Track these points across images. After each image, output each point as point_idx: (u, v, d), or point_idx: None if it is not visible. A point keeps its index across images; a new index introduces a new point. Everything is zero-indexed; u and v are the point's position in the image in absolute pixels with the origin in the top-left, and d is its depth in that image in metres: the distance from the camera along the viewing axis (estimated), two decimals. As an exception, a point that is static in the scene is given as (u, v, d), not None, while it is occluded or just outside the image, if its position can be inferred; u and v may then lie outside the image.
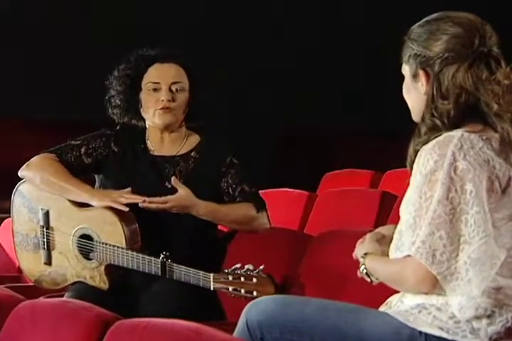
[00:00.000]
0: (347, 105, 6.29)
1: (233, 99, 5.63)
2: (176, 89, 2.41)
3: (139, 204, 2.28)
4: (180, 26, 5.59)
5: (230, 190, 2.40)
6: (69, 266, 2.40)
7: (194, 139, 2.48)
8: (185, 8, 5.63)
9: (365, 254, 1.73)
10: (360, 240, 1.80)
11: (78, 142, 2.47)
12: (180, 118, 2.44)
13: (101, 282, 2.34)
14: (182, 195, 2.30)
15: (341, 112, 6.25)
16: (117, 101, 2.45)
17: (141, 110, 2.45)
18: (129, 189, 2.33)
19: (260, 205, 2.41)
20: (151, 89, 2.42)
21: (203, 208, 2.32)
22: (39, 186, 2.44)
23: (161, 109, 2.39)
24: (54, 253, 2.44)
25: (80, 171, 2.45)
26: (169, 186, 2.37)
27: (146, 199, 2.29)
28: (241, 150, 2.46)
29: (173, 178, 2.33)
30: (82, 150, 2.45)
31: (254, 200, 2.40)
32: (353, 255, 1.77)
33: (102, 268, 2.34)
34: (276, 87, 6.10)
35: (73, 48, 5.25)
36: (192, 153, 2.45)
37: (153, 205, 2.29)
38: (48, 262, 2.45)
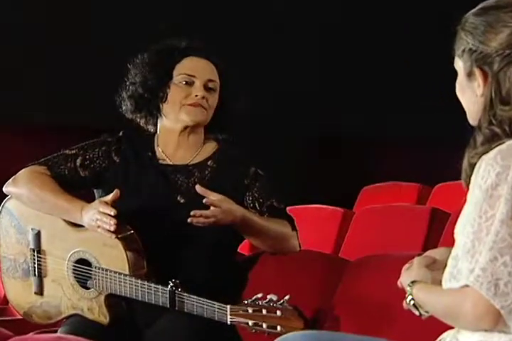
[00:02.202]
0: (387, 108, 6.30)
1: (258, 105, 5.72)
2: (210, 88, 2.42)
3: (189, 220, 2.24)
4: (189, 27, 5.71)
5: (257, 204, 2.39)
6: (63, 296, 2.39)
7: (211, 146, 2.48)
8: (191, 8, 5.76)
9: (412, 282, 1.70)
10: (407, 265, 1.77)
11: (73, 152, 2.46)
12: (207, 121, 2.43)
13: (100, 315, 2.33)
14: (222, 199, 2.25)
15: (380, 117, 6.26)
16: (140, 90, 2.43)
17: (162, 105, 2.43)
18: (108, 197, 2.29)
19: (293, 224, 2.40)
20: (182, 82, 2.42)
21: (241, 213, 2.28)
22: (27, 203, 2.44)
23: (191, 104, 2.39)
24: (46, 281, 2.43)
25: (75, 186, 2.45)
26: (182, 200, 2.36)
27: (195, 212, 2.23)
28: (265, 161, 2.45)
29: (197, 186, 2.29)
30: (78, 161, 2.44)
31: (285, 218, 2.39)
32: (398, 283, 1.75)
33: (102, 298, 2.33)
34: (306, 93, 6.15)
35: (71, 49, 5.43)
36: (208, 162, 2.44)
37: (203, 220, 2.23)
38: (40, 292, 2.44)
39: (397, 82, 6.18)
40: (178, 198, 2.38)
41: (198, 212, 2.24)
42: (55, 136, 4.31)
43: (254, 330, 2.11)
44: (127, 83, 2.46)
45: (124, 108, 2.47)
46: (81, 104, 5.37)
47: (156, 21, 5.47)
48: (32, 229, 2.44)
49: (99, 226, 2.28)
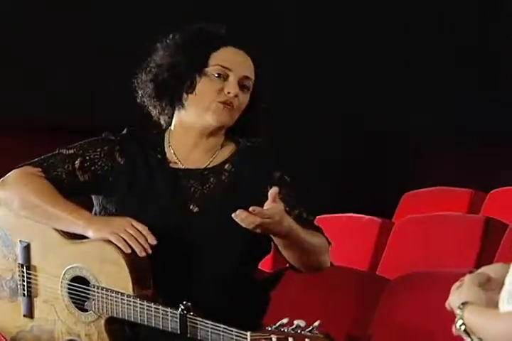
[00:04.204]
0: (432, 104, 6.32)
1: (284, 104, 5.84)
2: (245, 86, 2.41)
3: (233, 216, 2.16)
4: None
5: None
6: (57, 319, 2.40)
7: (229, 149, 2.47)
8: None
9: (463, 304, 1.69)
10: (457, 284, 1.76)
11: (72, 151, 2.47)
12: (232, 123, 2.43)
13: (100, 342, 2.34)
14: (279, 207, 2.21)
15: (425, 114, 6.28)
16: (165, 74, 2.41)
17: (187, 96, 2.40)
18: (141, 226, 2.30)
19: (326, 237, 2.40)
20: (215, 74, 2.40)
21: (289, 223, 2.25)
22: (17, 211, 2.44)
23: (223, 102, 2.38)
24: (37, 302, 2.44)
25: (73, 191, 2.45)
26: (195, 209, 2.37)
27: (254, 208, 2.16)
28: (293, 165, 2.43)
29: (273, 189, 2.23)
30: (77, 163, 2.44)
31: (315, 230, 2.39)
32: (447, 305, 1.73)
33: (102, 322, 2.32)
34: (342, 88, 6.29)
35: (71, 49, 5.74)
36: (226, 166, 2.44)
37: (253, 220, 2.15)
38: (29, 314, 2.45)
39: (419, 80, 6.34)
40: (191, 207, 2.38)
41: (257, 209, 2.14)
42: (55, 136, 4.41)
43: (278, 362, 2.10)
44: (151, 64, 2.44)
45: (140, 92, 2.46)
46: (81, 104, 5.61)
47: (156, 22, 5.68)
48: (21, 241, 2.44)
49: (115, 233, 2.26)
